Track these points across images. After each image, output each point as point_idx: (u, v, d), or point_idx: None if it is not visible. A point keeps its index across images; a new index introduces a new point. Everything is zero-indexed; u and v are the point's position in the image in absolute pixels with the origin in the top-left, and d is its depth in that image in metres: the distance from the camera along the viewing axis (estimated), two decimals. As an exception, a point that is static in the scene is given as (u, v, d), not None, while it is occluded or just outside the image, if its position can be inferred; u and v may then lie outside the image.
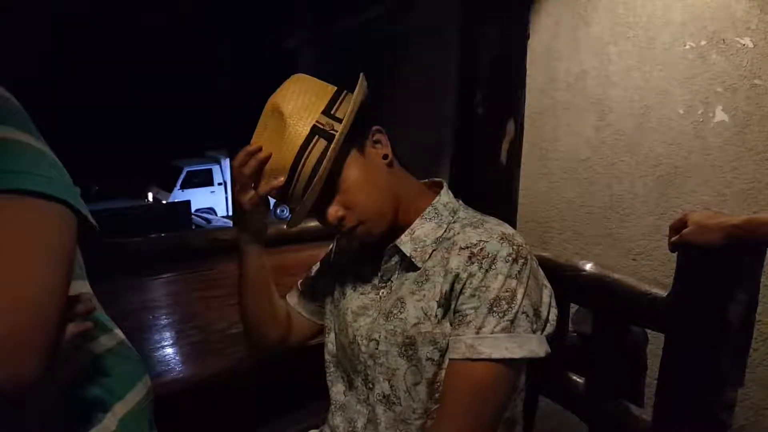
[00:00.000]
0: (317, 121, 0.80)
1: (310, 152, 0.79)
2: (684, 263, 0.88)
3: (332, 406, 0.94)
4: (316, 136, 0.80)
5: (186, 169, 13.85)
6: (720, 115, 1.44)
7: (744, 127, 1.39)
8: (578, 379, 1.07)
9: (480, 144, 1.25)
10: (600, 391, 1.03)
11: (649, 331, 1.30)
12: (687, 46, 1.50)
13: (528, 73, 1.89)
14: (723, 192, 1.44)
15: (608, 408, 1.00)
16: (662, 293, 0.90)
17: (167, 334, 1.26)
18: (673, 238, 0.87)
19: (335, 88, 0.87)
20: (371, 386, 0.85)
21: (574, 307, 1.15)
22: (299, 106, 0.82)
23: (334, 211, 0.82)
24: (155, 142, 15.04)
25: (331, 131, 0.80)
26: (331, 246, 1.05)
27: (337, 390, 0.94)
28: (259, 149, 0.83)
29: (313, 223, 2.03)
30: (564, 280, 1.03)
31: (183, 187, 13.53)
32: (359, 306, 0.89)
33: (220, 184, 14.03)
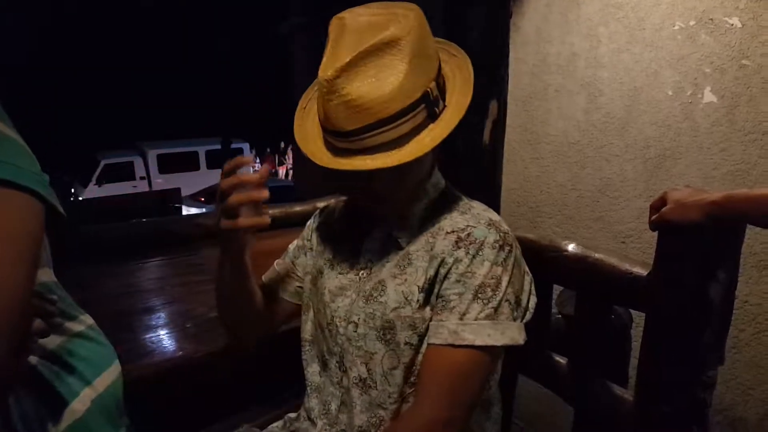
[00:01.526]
0: (429, 88, 0.68)
1: (406, 120, 0.66)
2: (664, 242, 0.87)
3: (308, 388, 0.93)
4: (423, 105, 0.67)
5: (103, 162, 11.69)
6: (708, 96, 1.42)
7: (732, 108, 1.37)
8: (562, 360, 1.06)
9: (463, 125, 1.24)
10: (583, 371, 1.02)
11: (633, 311, 1.30)
12: (676, 27, 1.48)
13: (518, 56, 1.87)
14: (711, 174, 1.43)
15: (592, 388, 1.00)
16: (643, 272, 0.89)
17: (148, 319, 1.26)
18: (654, 217, 0.86)
19: (437, 46, 0.72)
20: (345, 369, 0.84)
21: (557, 290, 1.14)
22: (419, 57, 0.66)
23: (369, 185, 0.74)
24: (81, 134, 13.39)
25: (436, 109, 0.69)
26: (308, 223, 1.01)
27: (313, 370, 0.92)
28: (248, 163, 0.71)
29: (300, 208, 2.00)
30: (547, 261, 1.02)
31: (99, 182, 11.49)
32: (337, 286, 0.87)
33: (142, 178, 12.00)
